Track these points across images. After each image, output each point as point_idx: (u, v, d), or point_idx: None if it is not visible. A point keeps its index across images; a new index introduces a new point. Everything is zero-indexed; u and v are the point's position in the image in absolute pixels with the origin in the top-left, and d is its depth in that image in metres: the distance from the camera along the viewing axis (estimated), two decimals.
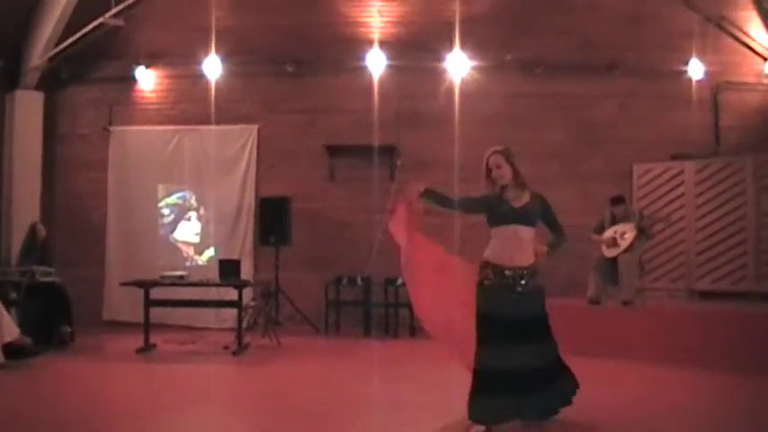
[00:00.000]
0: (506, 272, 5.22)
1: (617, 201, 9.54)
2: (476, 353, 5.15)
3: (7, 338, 7.95)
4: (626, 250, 9.14)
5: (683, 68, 11.41)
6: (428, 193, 5.43)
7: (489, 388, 5.03)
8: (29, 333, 8.37)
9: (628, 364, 8.16)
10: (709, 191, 10.71)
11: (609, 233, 9.35)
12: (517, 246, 5.23)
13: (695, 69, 11.38)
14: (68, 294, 9.65)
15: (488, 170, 5.39)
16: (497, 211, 5.30)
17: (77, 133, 12.23)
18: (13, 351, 8.01)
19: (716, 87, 11.57)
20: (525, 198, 5.37)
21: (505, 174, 5.35)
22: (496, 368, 5.04)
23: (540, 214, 5.41)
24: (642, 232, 9.20)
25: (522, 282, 5.23)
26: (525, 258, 5.26)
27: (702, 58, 11.35)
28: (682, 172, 10.97)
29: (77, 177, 12.17)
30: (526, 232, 5.28)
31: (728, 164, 10.62)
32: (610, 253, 9.26)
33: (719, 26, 11.51)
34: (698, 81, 11.42)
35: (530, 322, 5.23)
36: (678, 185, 10.98)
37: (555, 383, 5.32)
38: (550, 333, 5.42)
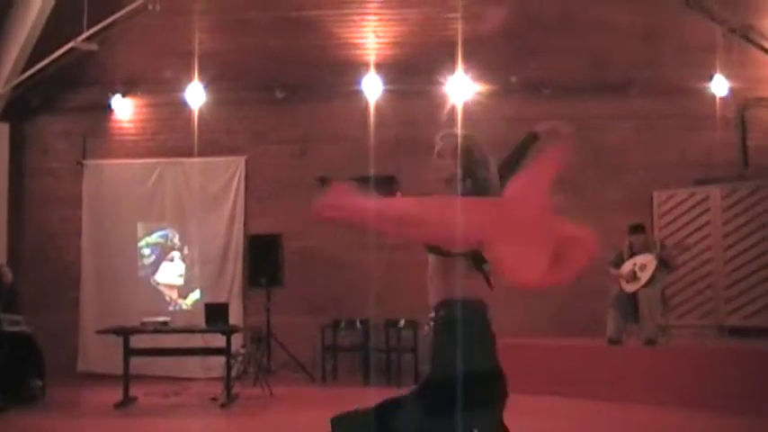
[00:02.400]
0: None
1: (636, 229, 9.58)
2: None
3: None
4: (647, 284, 9.16)
5: (706, 85, 11.46)
6: None
7: None
8: None
9: (652, 410, 8.16)
10: (737, 218, 10.73)
11: (628, 266, 9.38)
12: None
13: (719, 86, 11.42)
14: (38, 344, 9.63)
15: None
16: None
17: (48, 167, 12.31)
18: None
19: (743, 104, 11.61)
20: None
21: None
22: None
23: None
24: (664, 264, 9.24)
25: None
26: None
27: (727, 73, 11.39)
28: (707, 198, 11.01)
29: (48, 215, 12.22)
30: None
31: (758, 188, 10.67)
32: (630, 288, 9.29)
33: (745, 37, 11.58)
34: (722, 98, 11.46)
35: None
36: (703, 213, 11.01)
37: None
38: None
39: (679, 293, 10.80)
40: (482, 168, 3.94)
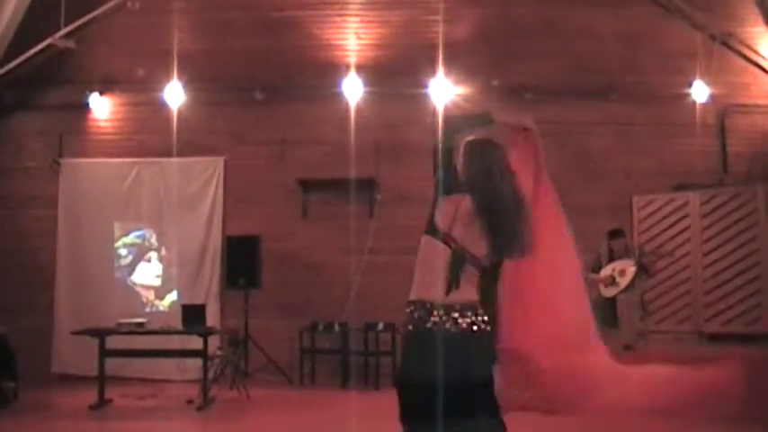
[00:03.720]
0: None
1: (615, 234, 9.63)
2: None
3: None
4: (626, 289, 9.21)
5: (686, 91, 11.55)
6: None
7: None
8: None
9: (629, 417, 8.19)
10: (716, 224, 10.82)
11: (606, 271, 9.44)
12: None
13: (699, 92, 11.51)
14: (11, 346, 9.60)
15: None
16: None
17: (22, 167, 12.21)
18: None
19: (722, 111, 11.71)
20: None
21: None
22: None
23: None
24: (643, 269, 9.29)
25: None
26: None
27: (707, 79, 11.48)
28: (686, 204, 11.10)
29: (22, 215, 12.11)
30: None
31: (737, 194, 10.76)
32: (608, 292, 9.34)
33: (726, 44, 11.68)
34: (702, 104, 11.56)
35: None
36: (682, 218, 11.10)
37: None
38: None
39: (658, 299, 10.88)
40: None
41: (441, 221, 4.06)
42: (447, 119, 4.09)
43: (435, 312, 3.86)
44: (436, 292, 3.89)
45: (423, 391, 3.75)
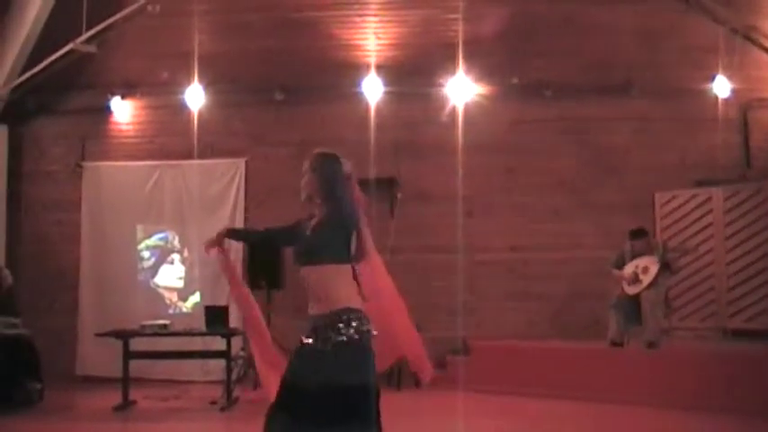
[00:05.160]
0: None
1: (637, 234, 9.58)
2: None
3: None
4: (649, 286, 9.18)
5: (708, 86, 11.45)
6: (231, 234, 4.87)
7: None
8: None
9: (654, 413, 8.17)
10: (740, 219, 10.75)
11: (630, 268, 9.40)
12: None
13: (721, 86, 11.42)
14: (36, 348, 9.64)
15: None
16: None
17: (46, 170, 12.30)
18: None
19: (745, 105, 11.62)
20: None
21: (306, 185, 4.40)
22: None
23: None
24: (666, 266, 9.25)
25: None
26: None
27: (729, 73, 11.38)
28: (709, 199, 11.03)
29: (46, 219, 12.22)
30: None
31: (760, 189, 10.68)
32: (631, 290, 9.31)
33: (748, 38, 11.59)
34: (724, 99, 11.45)
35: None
36: (705, 214, 11.02)
37: None
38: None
39: (681, 296, 10.82)
40: (338, 188, 4.23)
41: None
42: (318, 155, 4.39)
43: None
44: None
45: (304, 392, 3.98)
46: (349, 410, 3.98)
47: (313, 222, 4.28)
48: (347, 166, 4.36)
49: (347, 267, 4.16)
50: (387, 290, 4.42)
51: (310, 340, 4.12)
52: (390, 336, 4.35)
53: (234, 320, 10.26)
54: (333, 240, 4.14)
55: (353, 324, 4.05)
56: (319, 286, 4.13)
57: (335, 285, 4.11)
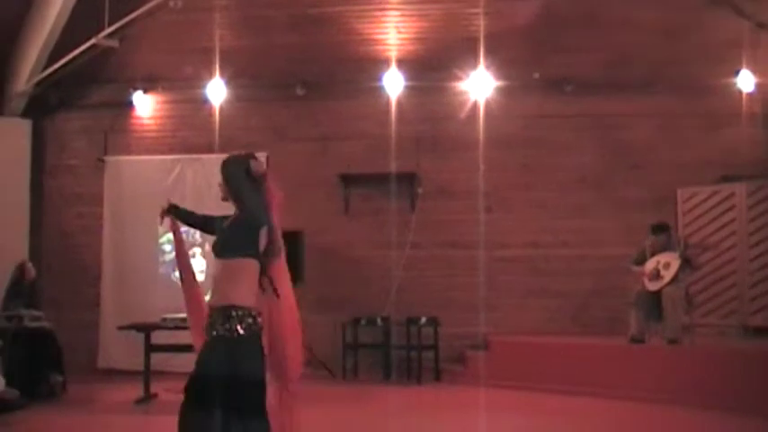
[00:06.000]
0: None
1: (659, 229, 9.55)
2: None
3: None
4: (670, 283, 9.15)
5: (731, 81, 11.37)
6: (177, 211, 5.34)
7: None
8: (15, 384, 8.44)
9: (675, 410, 8.14)
10: (763, 215, 10.68)
11: (651, 264, 9.37)
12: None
13: (745, 81, 11.33)
14: (59, 341, 9.73)
15: None
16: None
17: (68, 164, 12.40)
18: None
19: None
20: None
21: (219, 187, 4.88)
22: None
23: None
24: (688, 262, 9.22)
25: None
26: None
27: (753, 68, 11.31)
28: (732, 195, 10.96)
29: (68, 212, 12.32)
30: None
31: None
32: (653, 286, 9.28)
33: None
34: (748, 94, 11.38)
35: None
36: (728, 210, 10.95)
37: None
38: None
39: (703, 292, 10.76)
40: (243, 189, 4.63)
41: None
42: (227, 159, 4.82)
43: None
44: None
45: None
46: (242, 403, 4.31)
47: (229, 219, 4.67)
48: (258, 165, 4.73)
49: (252, 263, 4.47)
50: (285, 289, 4.78)
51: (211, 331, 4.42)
52: (276, 335, 4.69)
53: None
54: (240, 238, 4.49)
55: (246, 321, 4.37)
56: (221, 279, 4.44)
57: (234, 281, 4.41)
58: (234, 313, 4.33)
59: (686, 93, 11.44)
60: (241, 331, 4.32)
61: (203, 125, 11.82)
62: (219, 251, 4.53)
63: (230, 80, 11.75)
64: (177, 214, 5.29)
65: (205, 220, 5.23)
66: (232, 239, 4.51)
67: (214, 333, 4.38)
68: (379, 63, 11.74)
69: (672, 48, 11.49)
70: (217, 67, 11.56)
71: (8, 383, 8.23)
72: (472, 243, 11.20)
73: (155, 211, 12.22)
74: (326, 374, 11.11)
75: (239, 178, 4.62)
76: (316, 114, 11.93)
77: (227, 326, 4.33)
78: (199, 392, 4.38)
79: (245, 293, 4.40)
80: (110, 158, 12.19)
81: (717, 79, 11.38)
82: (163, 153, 12.13)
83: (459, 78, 11.55)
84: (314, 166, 11.85)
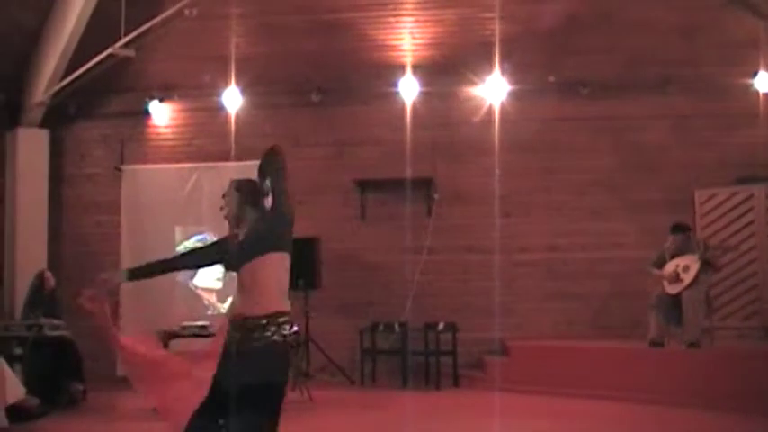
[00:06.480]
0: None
1: (679, 229, 9.51)
2: None
3: (11, 399, 7.89)
4: (690, 285, 9.10)
5: (748, 82, 11.30)
6: (133, 274, 4.84)
7: None
8: (35, 392, 8.45)
9: (695, 413, 8.09)
10: None
11: (670, 267, 9.32)
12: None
13: (763, 82, 11.26)
14: (79, 349, 9.76)
15: None
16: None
17: (86, 173, 12.48)
18: (18, 413, 8.03)
19: None
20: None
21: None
22: None
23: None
24: (707, 265, 9.16)
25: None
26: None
27: None
28: (750, 197, 10.88)
29: (86, 221, 12.39)
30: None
31: None
32: (672, 289, 9.23)
33: None
34: (766, 95, 11.31)
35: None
36: (747, 212, 10.88)
37: None
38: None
39: (723, 294, 10.67)
40: (251, 210, 4.55)
41: None
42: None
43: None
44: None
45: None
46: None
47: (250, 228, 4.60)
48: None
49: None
50: None
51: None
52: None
53: None
54: (272, 235, 4.52)
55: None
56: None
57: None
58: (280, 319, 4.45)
59: (703, 94, 11.40)
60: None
61: (219, 133, 11.86)
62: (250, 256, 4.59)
63: (246, 88, 11.79)
64: (141, 273, 4.91)
65: (175, 258, 5.23)
66: (268, 236, 4.50)
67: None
68: (395, 69, 11.75)
69: (688, 49, 11.46)
70: (232, 74, 11.59)
71: (28, 392, 8.23)
72: (489, 247, 11.17)
73: (172, 220, 12.37)
74: (344, 380, 11.11)
75: (281, 172, 4.38)
76: (331, 120, 11.94)
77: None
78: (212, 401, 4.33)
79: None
80: (126, 167, 12.25)
81: (733, 80, 11.33)
82: (179, 161, 12.18)
83: (474, 83, 11.55)
84: (330, 172, 11.86)
